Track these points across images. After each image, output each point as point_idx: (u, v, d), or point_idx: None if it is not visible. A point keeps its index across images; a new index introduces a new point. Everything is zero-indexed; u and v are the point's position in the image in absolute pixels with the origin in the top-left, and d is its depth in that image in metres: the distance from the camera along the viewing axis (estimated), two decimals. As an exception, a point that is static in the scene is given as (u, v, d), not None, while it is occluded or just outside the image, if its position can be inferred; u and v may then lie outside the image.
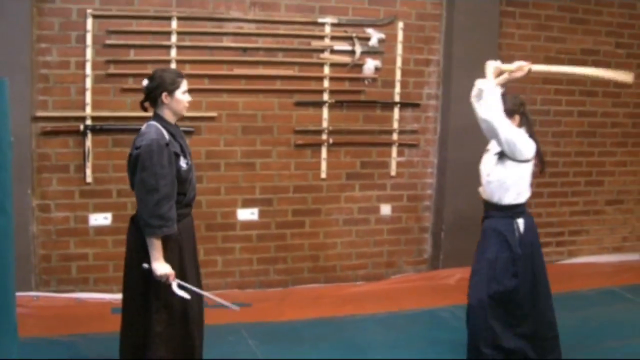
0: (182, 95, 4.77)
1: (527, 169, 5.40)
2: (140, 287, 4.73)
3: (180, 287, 4.67)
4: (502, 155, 5.32)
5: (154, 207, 4.55)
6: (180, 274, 4.72)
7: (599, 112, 8.76)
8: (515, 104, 5.37)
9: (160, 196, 4.56)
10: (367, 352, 5.94)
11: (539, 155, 5.54)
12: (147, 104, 4.89)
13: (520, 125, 5.40)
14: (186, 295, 4.67)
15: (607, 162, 8.95)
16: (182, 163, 4.75)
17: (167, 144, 4.61)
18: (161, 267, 4.58)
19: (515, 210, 5.45)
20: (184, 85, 4.79)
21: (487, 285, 5.31)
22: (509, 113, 5.30)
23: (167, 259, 4.64)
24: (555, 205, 8.76)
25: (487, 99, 5.20)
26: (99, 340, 5.90)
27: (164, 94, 4.72)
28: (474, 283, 5.41)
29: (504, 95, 5.31)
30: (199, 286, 4.98)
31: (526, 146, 5.28)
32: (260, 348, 5.91)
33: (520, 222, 5.46)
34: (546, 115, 8.45)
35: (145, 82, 4.82)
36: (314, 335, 6.27)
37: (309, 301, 7.10)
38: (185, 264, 4.84)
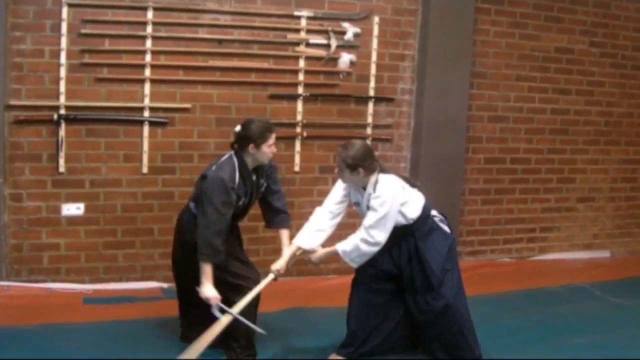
0: (267, 149, 5.31)
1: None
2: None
3: (221, 310, 5.19)
4: None
5: (210, 238, 5.11)
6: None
7: (571, 110, 8.82)
8: (356, 159, 5.28)
9: (217, 231, 5.13)
10: (337, 345, 5.95)
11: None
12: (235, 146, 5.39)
13: (367, 174, 5.36)
14: (222, 317, 5.18)
15: (579, 160, 9.02)
16: (240, 202, 5.36)
17: (232, 188, 5.20)
18: (208, 290, 5.15)
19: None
20: (272, 139, 5.32)
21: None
22: (352, 168, 5.29)
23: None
24: (527, 202, 8.82)
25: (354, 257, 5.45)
26: (70, 330, 5.90)
27: (251, 145, 5.26)
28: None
29: (346, 153, 5.31)
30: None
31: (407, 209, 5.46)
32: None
33: None
34: (519, 112, 8.50)
35: (237, 128, 5.35)
36: (284, 327, 6.29)
37: (281, 294, 7.10)
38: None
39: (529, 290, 7.75)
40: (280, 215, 5.77)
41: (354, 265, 5.44)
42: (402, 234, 5.47)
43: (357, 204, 5.60)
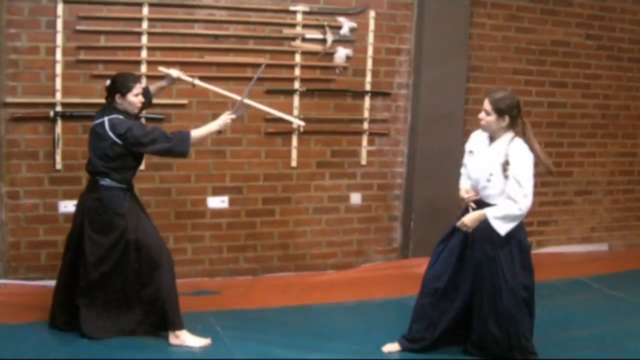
0: (134, 98, 5.63)
1: None
2: None
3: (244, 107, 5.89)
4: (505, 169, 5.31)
5: (165, 143, 5.54)
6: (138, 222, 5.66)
7: (568, 103, 8.82)
8: (509, 106, 5.31)
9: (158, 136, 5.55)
10: (335, 340, 5.96)
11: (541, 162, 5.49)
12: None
13: (510, 126, 5.37)
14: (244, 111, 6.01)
15: (576, 153, 9.02)
16: None
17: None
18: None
19: None
20: (137, 89, 5.63)
21: None
22: (500, 113, 5.30)
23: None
24: (525, 196, 8.81)
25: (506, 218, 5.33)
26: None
27: (118, 95, 5.59)
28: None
29: (500, 96, 5.37)
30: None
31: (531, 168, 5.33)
32: (229, 336, 5.90)
33: None
34: (516, 105, 8.49)
35: (107, 83, 5.71)
36: (282, 322, 6.29)
37: (279, 289, 7.11)
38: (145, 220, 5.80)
39: (527, 284, 7.75)
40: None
41: (502, 231, 5.34)
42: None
43: (471, 152, 5.63)
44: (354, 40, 7.62)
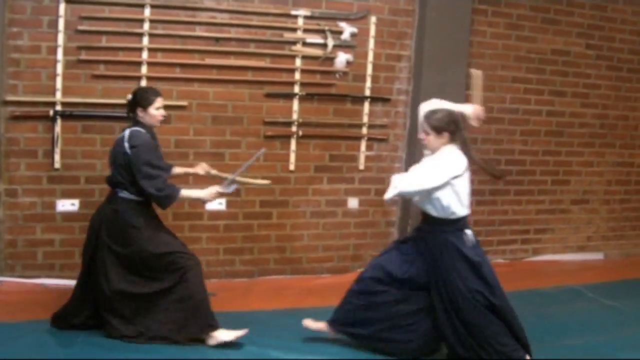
0: (155, 111, 5.71)
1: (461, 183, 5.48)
2: None
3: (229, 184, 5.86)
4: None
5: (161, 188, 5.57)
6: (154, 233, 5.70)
7: (567, 112, 8.84)
8: (446, 123, 5.46)
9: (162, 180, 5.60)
10: (330, 343, 5.97)
11: (484, 168, 5.77)
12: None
13: (452, 140, 5.50)
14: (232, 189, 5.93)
15: (574, 162, 9.04)
16: None
17: (156, 146, 5.73)
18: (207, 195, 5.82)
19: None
20: (158, 102, 5.72)
21: None
22: (438, 130, 5.45)
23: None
24: (522, 203, 8.84)
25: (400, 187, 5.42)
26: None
27: (139, 109, 5.67)
28: None
29: (434, 112, 5.53)
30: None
31: (445, 170, 5.42)
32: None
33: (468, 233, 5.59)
34: (515, 113, 8.52)
35: (128, 97, 5.81)
36: (278, 325, 6.30)
37: (275, 292, 7.12)
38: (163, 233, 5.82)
39: (523, 291, 7.75)
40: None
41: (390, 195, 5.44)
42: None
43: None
44: (354, 45, 7.63)
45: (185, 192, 5.65)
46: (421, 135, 5.57)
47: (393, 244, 6.02)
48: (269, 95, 7.37)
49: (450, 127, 5.46)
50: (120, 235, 5.61)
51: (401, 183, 5.39)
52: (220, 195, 5.80)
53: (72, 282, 6.74)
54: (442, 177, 5.36)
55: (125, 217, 5.61)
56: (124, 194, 5.61)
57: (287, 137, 7.50)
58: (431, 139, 5.49)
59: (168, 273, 5.63)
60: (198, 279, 5.69)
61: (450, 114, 5.53)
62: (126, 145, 5.49)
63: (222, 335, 5.68)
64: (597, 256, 9.41)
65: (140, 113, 5.65)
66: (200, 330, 5.69)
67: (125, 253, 5.62)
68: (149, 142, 5.57)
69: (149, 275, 5.65)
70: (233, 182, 5.86)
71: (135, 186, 5.55)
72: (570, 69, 8.75)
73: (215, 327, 5.69)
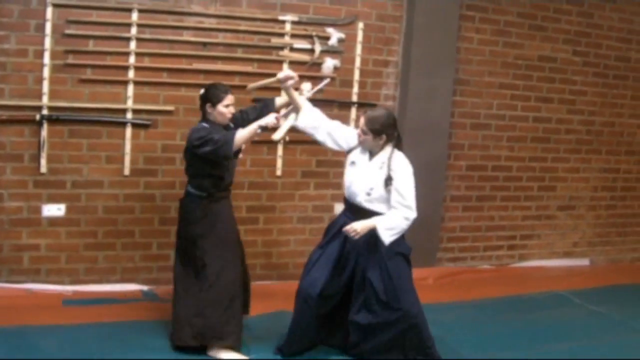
0: (224, 108, 5.72)
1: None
2: None
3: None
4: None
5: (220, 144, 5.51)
6: (215, 239, 5.75)
7: (553, 118, 8.87)
8: (384, 125, 5.54)
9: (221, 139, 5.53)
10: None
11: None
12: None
13: (388, 142, 5.63)
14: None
15: (560, 168, 9.07)
16: None
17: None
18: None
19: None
20: (228, 100, 5.73)
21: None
22: (376, 132, 5.53)
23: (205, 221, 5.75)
24: (508, 209, 8.86)
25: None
26: (49, 331, 5.89)
27: (208, 104, 5.72)
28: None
29: (376, 116, 5.56)
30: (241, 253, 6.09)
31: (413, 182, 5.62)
32: (211, 343, 5.92)
33: None
34: (502, 119, 8.54)
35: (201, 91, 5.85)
36: (265, 330, 6.31)
37: (261, 297, 7.10)
38: (219, 232, 5.79)
39: (509, 297, 7.79)
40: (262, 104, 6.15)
41: (387, 241, 5.46)
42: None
43: (353, 162, 5.70)
44: (342, 51, 7.64)
45: (242, 131, 5.54)
46: (359, 135, 5.61)
47: (316, 253, 6.00)
48: (256, 101, 7.35)
49: (388, 130, 5.54)
50: (179, 226, 5.92)
51: (397, 225, 5.47)
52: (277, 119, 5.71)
53: (57, 287, 6.78)
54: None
55: (184, 210, 5.86)
56: (189, 188, 5.81)
57: (274, 142, 7.48)
58: (369, 138, 5.55)
59: (200, 276, 5.73)
60: (220, 291, 5.70)
61: (389, 116, 5.59)
62: (190, 139, 5.60)
63: (223, 354, 5.66)
64: (583, 262, 9.45)
65: (209, 109, 5.71)
66: (209, 339, 5.72)
67: (179, 243, 5.87)
68: (210, 131, 5.59)
69: (192, 268, 5.79)
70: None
71: (196, 180, 5.75)
72: (557, 76, 8.78)
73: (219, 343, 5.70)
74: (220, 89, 5.72)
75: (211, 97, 5.68)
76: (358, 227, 5.42)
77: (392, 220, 5.45)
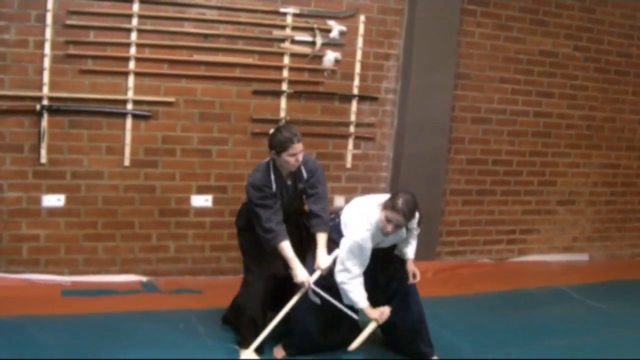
0: (288, 157, 5.50)
1: None
2: None
3: (315, 293, 5.49)
4: None
5: (261, 229, 5.54)
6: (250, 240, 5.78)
7: (554, 113, 8.86)
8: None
9: (264, 220, 5.52)
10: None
11: None
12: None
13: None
14: (317, 301, 5.53)
15: (561, 163, 9.06)
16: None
17: (265, 185, 5.57)
18: (299, 274, 5.49)
19: None
20: (293, 149, 5.48)
21: None
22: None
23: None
24: (508, 204, 8.85)
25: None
26: (48, 322, 5.88)
27: (272, 152, 5.54)
28: None
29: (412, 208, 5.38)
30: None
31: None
32: (210, 335, 5.92)
33: None
34: (502, 114, 8.53)
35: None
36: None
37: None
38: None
39: (508, 292, 7.78)
40: (315, 219, 5.72)
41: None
42: None
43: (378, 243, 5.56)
44: (343, 43, 7.62)
45: (286, 249, 5.48)
46: (391, 228, 5.31)
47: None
48: (256, 93, 7.35)
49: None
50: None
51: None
52: (307, 283, 5.47)
53: (56, 278, 6.78)
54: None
55: (237, 219, 6.00)
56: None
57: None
58: (402, 231, 5.56)
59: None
60: (252, 295, 5.65)
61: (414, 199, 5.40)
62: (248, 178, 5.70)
63: (246, 354, 5.61)
64: (583, 257, 9.45)
65: (273, 156, 5.55)
66: (238, 341, 5.76)
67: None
68: (257, 184, 5.57)
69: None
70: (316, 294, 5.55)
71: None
72: (558, 70, 8.77)
73: (243, 346, 5.66)
74: (285, 137, 5.46)
75: (275, 144, 5.47)
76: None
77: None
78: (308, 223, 5.79)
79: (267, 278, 5.61)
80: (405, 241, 5.72)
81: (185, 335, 5.85)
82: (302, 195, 5.87)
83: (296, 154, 5.48)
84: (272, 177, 5.58)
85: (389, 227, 5.26)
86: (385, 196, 5.49)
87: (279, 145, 5.44)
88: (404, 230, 5.52)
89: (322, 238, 5.62)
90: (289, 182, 5.71)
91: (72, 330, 5.75)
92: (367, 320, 5.53)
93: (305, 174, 5.73)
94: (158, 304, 6.50)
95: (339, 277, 5.37)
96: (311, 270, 5.54)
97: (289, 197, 5.72)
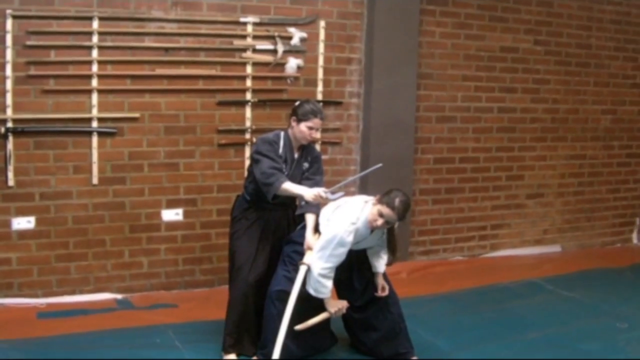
0: (305, 128, 5.67)
1: None
2: None
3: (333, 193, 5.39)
4: None
5: (262, 178, 5.53)
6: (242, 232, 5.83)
7: (518, 108, 8.93)
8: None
9: (268, 167, 5.55)
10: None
11: None
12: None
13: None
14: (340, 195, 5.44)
15: (527, 157, 9.14)
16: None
17: (276, 142, 5.71)
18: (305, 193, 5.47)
19: None
20: (312, 122, 5.65)
21: None
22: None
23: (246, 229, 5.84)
24: (477, 200, 8.91)
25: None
26: (23, 346, 5.83)
27: (293, 118, 5.72)
28: None
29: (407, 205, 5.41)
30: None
31: None
32: (187, 348, 5.91)
33: None
34: (467, 111, 8.59)
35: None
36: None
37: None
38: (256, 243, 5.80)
39: (482, 287, 7.83)
40: (307, 203, 5.73)
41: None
42: None
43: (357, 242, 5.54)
44: (304, 50, 7.64)
45: (289, 185, 5.46)
46: (381, 224, 5.34)
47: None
48: (221, 104, 7.35)
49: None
50: None
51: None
52: (321, 198, 5.36)
53: (31, 301, 6.74)
54: None
55: (232, 209, 6.05)
56: (241, 193, 6.00)
57: (241, 144, 7.49)
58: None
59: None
60: (237, 296, 5.70)
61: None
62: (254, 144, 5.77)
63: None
64: (554, 249, 9.52)
65: (292, 122, 5.72)
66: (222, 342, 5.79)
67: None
68: (269, 140, 5.69)
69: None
70: (341, 188, 5.50)
71: (250, 184, 5.80)
72: (519, 65, 8.84)
73: (226, 351, 5.71)
74: (311, 108, 5.68)
75: (299, 111, 5.67)
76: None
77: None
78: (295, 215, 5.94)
79: (253, 269, 5.72)
80: (377, 254, 5.73)
81: (163, 350, 5.84)
82: (302, 175, 5.85)
83: (313, 128, 5.67)
84: (282, 142, 5.72)
85: (380, 222, 5.29)
86: (364, 197, 5.59)
87: (302, 114, 5.64)
88: (384, 231, 5.53)
89: (310, 219, 5.66)
90: (296, 155, 5.81)
91: (49, 353, 5.70)
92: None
93: (310, 157, 5.88)
94: (134, 320, 6.48)
95: (316, 265, 5.35)
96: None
97: (292, 170, 5.76)
